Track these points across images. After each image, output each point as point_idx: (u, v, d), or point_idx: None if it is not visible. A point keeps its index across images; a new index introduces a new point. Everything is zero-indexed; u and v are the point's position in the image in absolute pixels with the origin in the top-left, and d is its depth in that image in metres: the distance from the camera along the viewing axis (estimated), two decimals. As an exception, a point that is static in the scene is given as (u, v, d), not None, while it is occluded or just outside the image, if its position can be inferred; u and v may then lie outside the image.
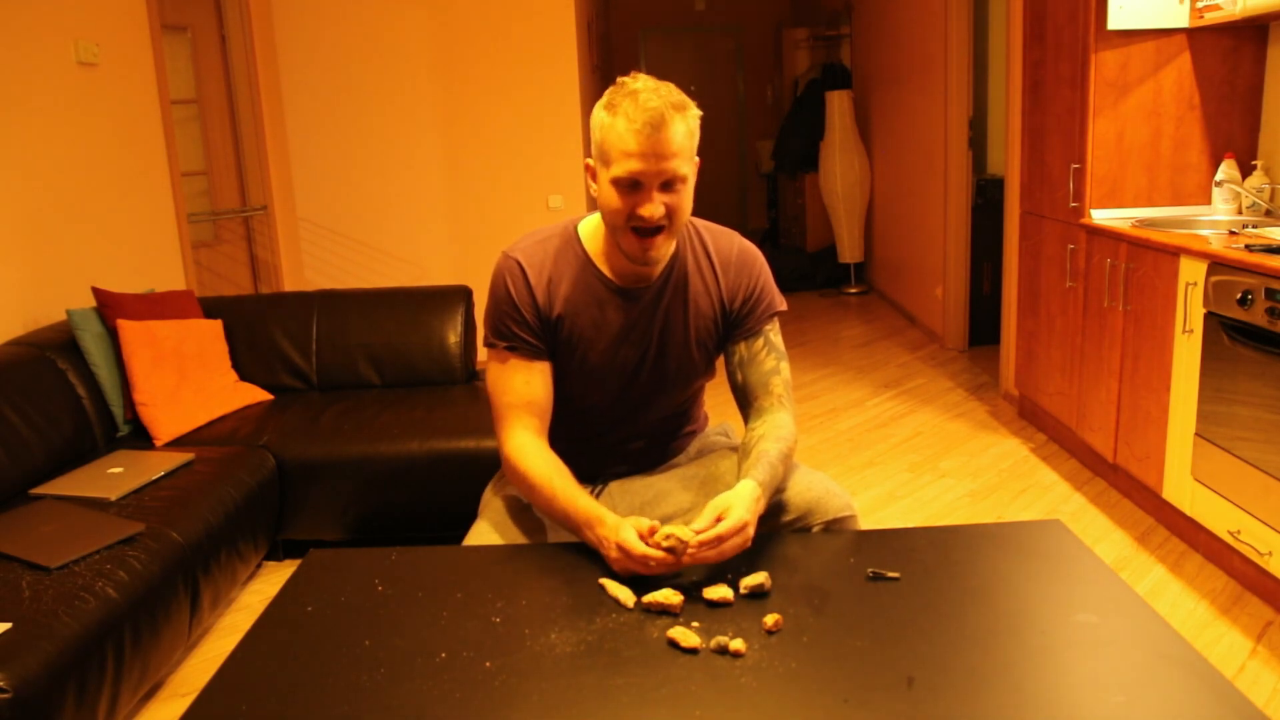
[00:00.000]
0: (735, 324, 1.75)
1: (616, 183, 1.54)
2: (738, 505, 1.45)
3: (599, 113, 1.56)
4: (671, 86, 1.56)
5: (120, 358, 2.97)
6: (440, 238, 5.28)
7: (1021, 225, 4.03)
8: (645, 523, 1.44)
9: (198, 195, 4.44)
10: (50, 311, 3.19)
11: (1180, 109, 3.34)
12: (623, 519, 1.47)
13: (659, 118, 1.49)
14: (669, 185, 1.54)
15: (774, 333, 1.76)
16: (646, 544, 1.41)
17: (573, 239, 1.71)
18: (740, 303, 1.74)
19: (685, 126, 1.53)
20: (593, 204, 1.67)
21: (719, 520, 1.44)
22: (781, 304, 1.79)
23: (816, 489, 1.67)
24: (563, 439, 1.73)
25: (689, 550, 1.40)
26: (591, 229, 1.71)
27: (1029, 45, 3.89)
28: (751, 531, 1.46)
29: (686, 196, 1.58)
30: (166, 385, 3.00)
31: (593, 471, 1.82)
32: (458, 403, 3.18)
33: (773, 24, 9.41)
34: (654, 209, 1.53)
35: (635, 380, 1.74)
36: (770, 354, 1.74)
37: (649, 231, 1.56)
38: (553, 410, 1.72)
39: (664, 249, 1.59)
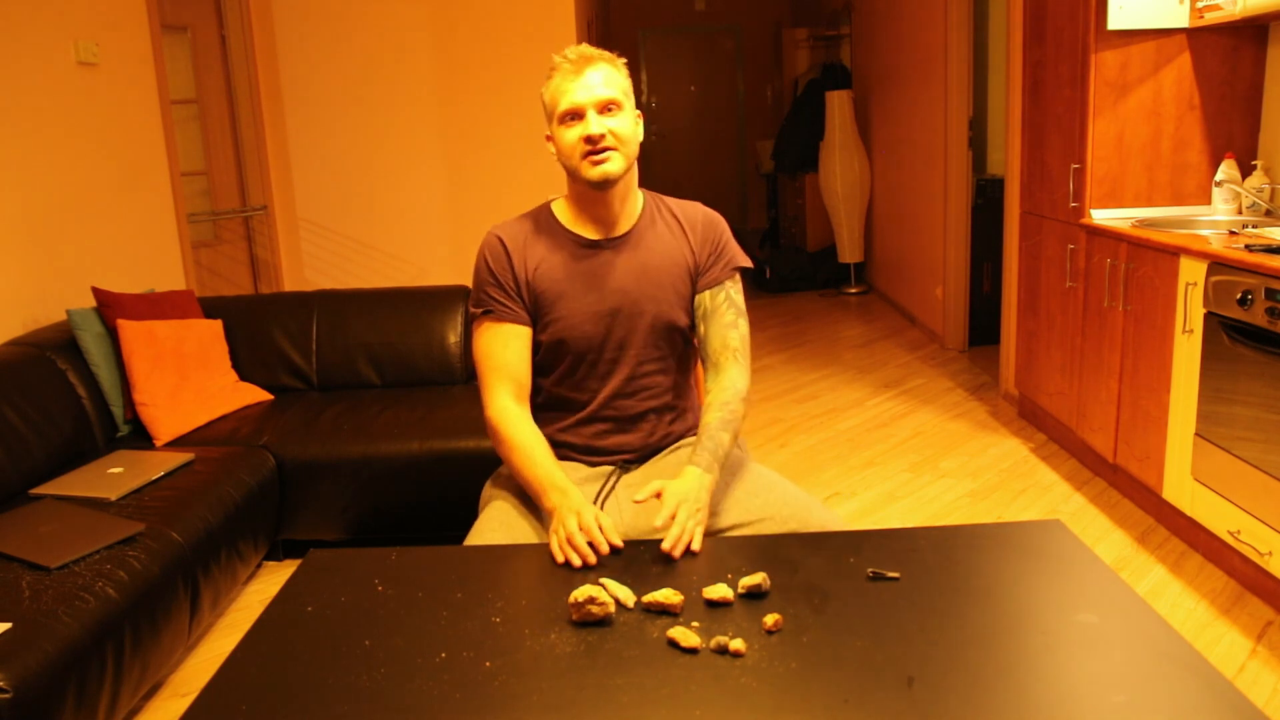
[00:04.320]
0: (701, 273, 1.86)
1: (562, 120, 1.72)
2: (669, 497, 1.56)
3: (543, 88, 1.76)
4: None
5: (120, 358, 2.97)
6: (440, 238, 5.28)
7: (1021, 225, 4.03)
8: (606, 519, 1.56)
9: (198, 195, 4.44)
10: (50, 311, 3.19)
11: (1180, 109, 3.34)
12: (589, 505, 1.59)
13: (585, 59, 1.71)
14: (607, 110, 1.71)
15: (735, 290, 1.88)
16: (599, 529, 1.53)
17: (546, 211, 1.87)
18: (706, 255, 1.86)
19: (613, 68, 1.73)
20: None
21: (656, 497, 1.59)
22: (745, 261, 1.90)
23: (793, 504, 1.75)
24: (559, 408, 1.84)
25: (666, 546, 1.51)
26: (562, 203, 1.87)
27: (1029, 45, 3.89)
28: (696, 506, 1.56)
29: (629, 125, 1.74)
30: (166, 385, 3.00)
31: (591, 445, 1.85)
32: (458, 403, 3.17)
33: (773, 24, 9.41)
34: (598, 126, 1.69)
35: (615, 320, 1.81)
36: (730, 309, 1.84)
37: (601, 151, 1.71)
38: (545, 363, 1.84)
39: (618, 166, 1.73)
